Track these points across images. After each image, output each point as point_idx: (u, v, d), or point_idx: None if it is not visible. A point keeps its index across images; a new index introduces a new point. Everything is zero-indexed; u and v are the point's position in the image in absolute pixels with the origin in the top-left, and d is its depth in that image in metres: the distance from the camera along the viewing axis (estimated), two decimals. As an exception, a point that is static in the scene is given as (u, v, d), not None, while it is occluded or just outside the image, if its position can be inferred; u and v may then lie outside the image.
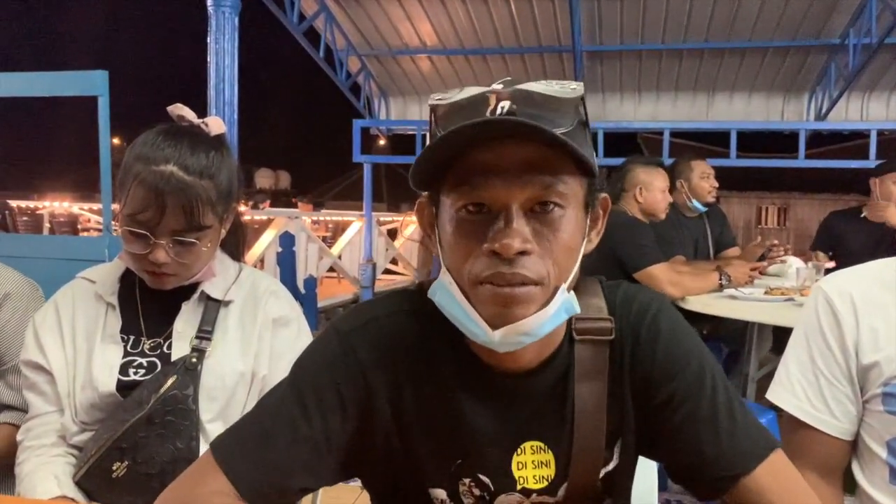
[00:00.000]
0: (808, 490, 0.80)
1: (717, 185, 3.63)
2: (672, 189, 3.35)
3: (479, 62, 7.46)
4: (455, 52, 7.26)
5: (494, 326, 0.74)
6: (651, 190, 3.08)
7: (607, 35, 6.71)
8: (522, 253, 0.72)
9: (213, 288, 1.30)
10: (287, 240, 6.11)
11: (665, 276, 2.78)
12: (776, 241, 3.35)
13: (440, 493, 0.86)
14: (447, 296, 0.77)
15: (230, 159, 1.28)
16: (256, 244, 6.02)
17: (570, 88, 0.74)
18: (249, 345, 1.27)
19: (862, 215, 3.74)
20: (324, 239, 8.00)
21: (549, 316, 0.75)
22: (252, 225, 7.68)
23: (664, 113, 7.71)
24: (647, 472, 1.20)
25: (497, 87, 0.75)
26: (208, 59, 4.98)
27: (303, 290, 5.99)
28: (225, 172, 1.24)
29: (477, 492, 0.85)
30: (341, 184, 29.58)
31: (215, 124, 1.28)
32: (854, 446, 1.08)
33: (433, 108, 0.78)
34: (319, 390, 0.83)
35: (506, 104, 0.72)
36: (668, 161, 3.70)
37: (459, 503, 0.86)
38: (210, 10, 4.94)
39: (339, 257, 7.53)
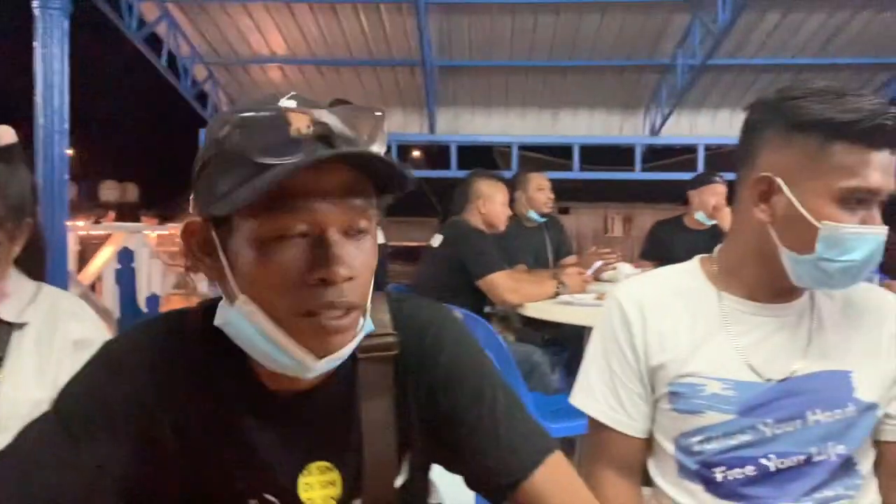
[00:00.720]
0: (584, 490, 0.84)
1: (552, 196, 3.79)
2: (512, 201, 3.46)
3: (332, 73, 7.40)
4: (306, 62, 7.16)
5: (319, 356, 0.74)
6: (493, 202, 3.17)
7: (457, 50, 6.85)
8: (349, 279, 0.73)
9: (5, 309, 1.20)
10: (126, 256, 5.76)
11: (505, 284, 2.86)
12: (609, 250, 3.54)
13: None
14: (249, 328, 0.74)
15: (23, 171, 1.18)
16: (93, 262, 5.65)
17: (374, 115, 0.75)
18: (46, 370, 1.18)
19: (687, 223, 4.04)
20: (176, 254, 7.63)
21: (359, 338, 0.77)
22: (91, 241, 7.20)
23: (513, 127, 7.96)
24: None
25: (289, 103, 0.74)
26: (34, 65, 4.62)
27: (145, 309, 5.68)
28: (14, 186, 1.15)
29: None
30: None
31: (5, 134, 1.18)
32: (648, 444, 1.14)
33: (225, 120, 0.74)
34: (87, 416, 0.78)
35: (307, 126, 0.71)
36: (506, 174, 3.82)
37: None
38: (36, 11, 4.58)
39: (188, 272, 7.19)
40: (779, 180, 1.02)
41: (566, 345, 3.34)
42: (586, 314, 2.67)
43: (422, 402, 0.86)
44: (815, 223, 0.99)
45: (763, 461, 1.04)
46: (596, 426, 1.14)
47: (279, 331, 0.73)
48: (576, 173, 7.69)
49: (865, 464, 1.10)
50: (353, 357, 0.82)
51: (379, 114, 0.76)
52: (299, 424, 0.83)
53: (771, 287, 1.08)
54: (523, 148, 8.31)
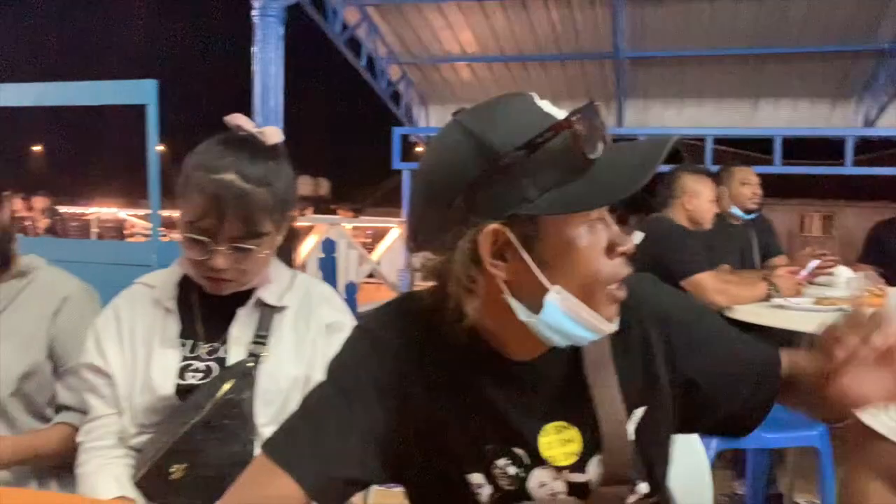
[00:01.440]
0: None
1: (759, 192, 3.57)
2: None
3: (519, 69, 7.45)
4: (494, 59, 7.26)
5: (612, 322, 0.85)
6: (699, 198, 3.06)
7: (650, 41, 6.64)
8: None
9: (268, 294, 1.32)
10: (328, 246, 6.16)
11: (711, 285, 2.74)
12: (826, 251, 3.28)
13: (477, 478, 0.90)
14: (562, 316, 0.81)
15: (287, 168, 1.30)
16: (300, 251, 6.09)
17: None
18: (303, 350, 1.29)
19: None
20: (363, 245, 8.05)
21: None
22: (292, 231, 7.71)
23: (707, 119, 7.60)
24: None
25: (543, 103, 0.85)
26: (254, 68, 5.05)
27: (343, 296, 6.04)
28: (282, 181, 1.26)
29: (512, 470, 0.89)
30: (380, 191, 29.76)
31: (272, 133, 1.30)
32: None
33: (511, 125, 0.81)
34: (358, 384, 0.88)
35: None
36: (711, 168, 3.66)
37: (495, 485, 0.90)
38: (256, 20, 5.01)
39: (379, 263, 7.57)
40: None
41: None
42: (803, 319, 2.49)
43: (648, 364, 0.93)
44: None
45: None
46: (866, 433, 1.07)
47: (586, 309, 0.81)
48: (777, 168, 7.16)
49: None
50: None
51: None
52: (534, 388, 0.90)
53: None
54: (717, 142, 7.90)
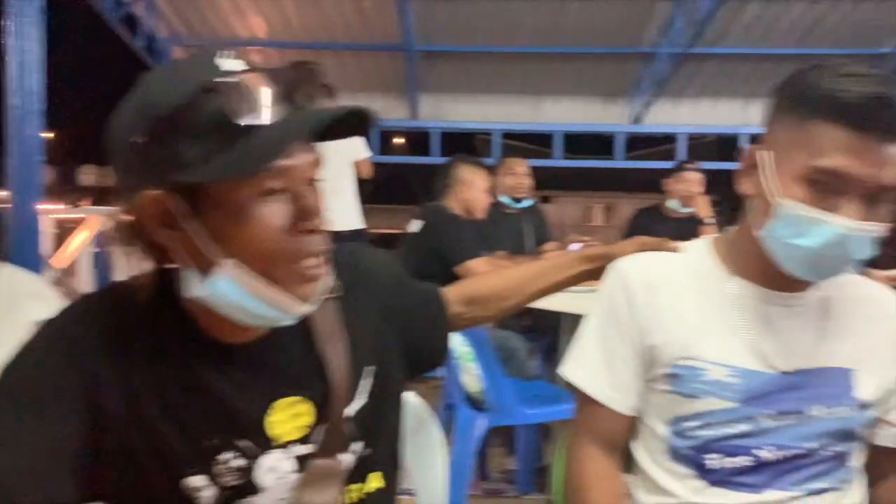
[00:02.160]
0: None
1: (525, 182, 3.78)
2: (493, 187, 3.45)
3: (313, 57, 7.29)
4: (286, 46, 7.09)
5: (304, 302, 0.81)
6: (473, 189, 3.16)
7: (440, 36, 6.81)
8: (321, 229, 0.81)
9: None
10: (104, 240, 5.70)
11: (483, 271, 2.85)
12: (588, 238, 3.54)
13: (196, 481, 0.82)
14: (237, 291, 0.77)
15: None
16: (67, 245, 5.58)
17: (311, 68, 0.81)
18: (2, 351, 1.16)
19: (665, 212, 4.06)
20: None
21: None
22: (68, 225, 7.11)
23: (496, 114, 7.95)
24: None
25: (235, 63, 0.78)
26: (6, 43, 4.53)
27: (122, 294, 5.62)
28: None
29: (236, 463, 0.83)
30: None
31: None
32: (635, 424, 1.12)
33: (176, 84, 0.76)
34: (38, 393, 0.76)
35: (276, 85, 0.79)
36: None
37: (219, 485, 0.83)
38: (7, -13, 4.48)
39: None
40: (761, 154, 1.00)
41: (545, 332, 3.33)
42: (565, 301, 2.66)
43: (376, 326, 0.97)
44: (776, 199, 0.95)
45: (759, 452, 1.02)
46: (585, 400, 1.11)
47: (269, 287, 0.78)
48: (557, 161, 7.69)
49: (857, 460, 1.09)
50: None
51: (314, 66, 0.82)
52: (259, 369, 0.86)
53: (776, 273, 1.01)
54: (505, 136, 8.29)
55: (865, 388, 1.05)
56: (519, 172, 3.80)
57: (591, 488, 1.09)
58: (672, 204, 3.97)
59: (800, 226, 0.94)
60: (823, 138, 0.92)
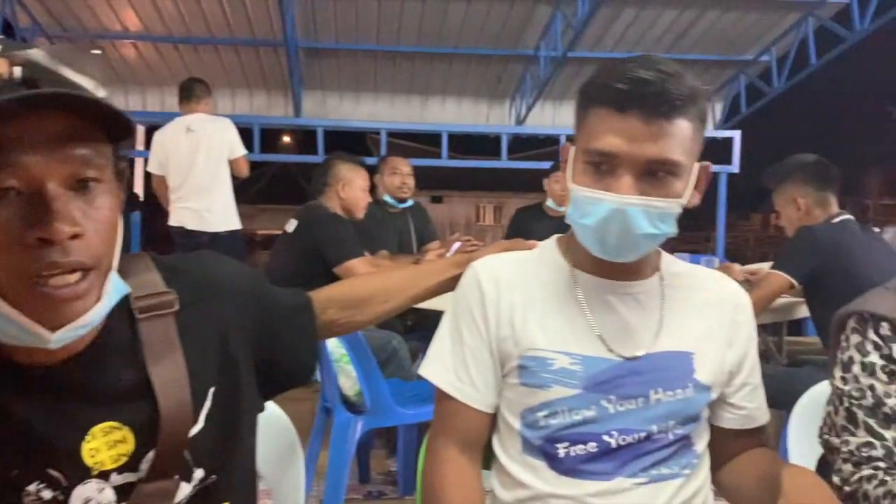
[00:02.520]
0: None
1: (408, 182, 3.77)
2: (375, 186, 3.43)
3: (190, 52, 7.05)
4: (161, 40, 6.78)
5: (53, 328, 0.68)
6: (352, 187, 3.11)
7: (323, 32, 6.71)
8: (74, 237, 0.67)
9: None
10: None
11: (364, 270, 2.81)
12: (468, 237, 3.57)
13: None
14: None
15: None
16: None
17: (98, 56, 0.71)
18: None
19: (546, 210, 4.15)
20: None
21: (109, 302, 0.73)
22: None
23: (383, 113, 7.90)
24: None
25: None
26: None
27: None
28: None
29: (47, 494, 0.77)
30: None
31: None
32: (493, 421, 1.14)
33: None
34: None
35: (17, 70, 0.64)
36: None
37: None
38: None
39: None
40: (571, 146, 1.08)
41: (428, 331, 3.33)
42: (444, 300, 2.66)
43: (223, 344, 0.89)
44: (569, 185, 1.04)
45: (605, 438, 1.05)
46: (442, 397, 1.12)
47: (4, 303, 0.68)
48: (444, 161, 7.73)
49: (701, 444, 1.13)
50: (126, 317, 0.81)
51: (98, 52, 0.73)
52: (73, 392, 0.78)
53: (605, 262, 1.07)
54: (393, 135, 8.27)
55: (704, 370, 1.09)
56: (403, 171, 3.78)
57: (446, 489, 1.09)
58: (550, 203, 4.06)
59: (584, 206, 1.01)
60: (596, 123, 1.01)
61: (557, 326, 1.08)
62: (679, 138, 0.99)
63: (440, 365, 1.13)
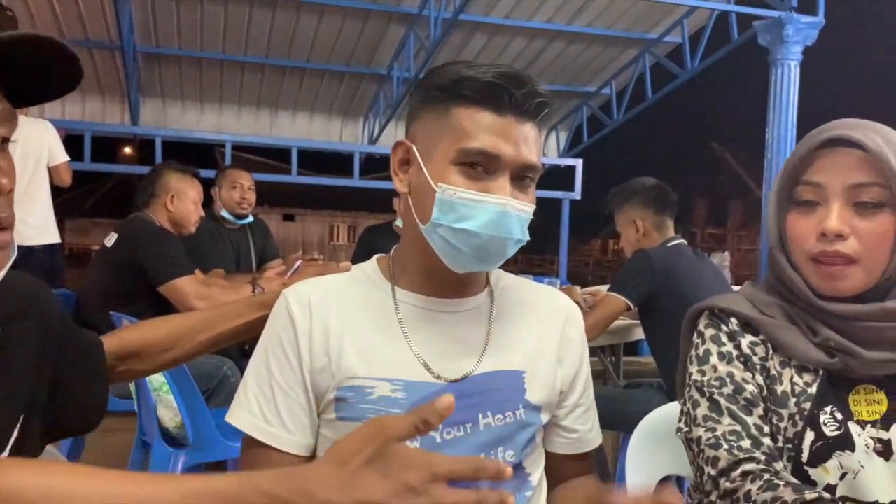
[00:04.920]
0: None
1: (250, 196, 3.58)
2: (212, 200, 3.21)
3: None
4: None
5: None
6: (183, 199, 2.87)
7: (164, 37, 6.33)
8: None
9: None
10: None
11: (193, 290, 2.58)
12: (315, 255, 3.41)
13: None
14: None
15: None
16: None
17: None
18: None
19: (395, 229, 4.07)
20: None
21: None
22: None
23: (228, 125, 7.58)
24: None
25: None
26: None
27: None
28: None
29: None
30: None
31: None
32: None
33: None
34: None
35: None
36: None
37: None
38: None
39: None
40: (413, 146, 0.99)
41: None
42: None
43: (33, 370, 0.85)
44: (434, 186, 0.94)
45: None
46: (250, 444, 0.99)
47: None
48: (294, 177, 7.51)
49: (536, 472, 1.06)
50: None
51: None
52: None
53: (439, 278, 0.99)
54: (239, 148, 7.94)
55: (536, 390, 1.03)
56: (244, 185, 3.56)
57: None
58: (399, 222, 3.98)
59: (461, 209, 0.93)
60: (468, 122, 0.93)
61: (377, 352, 0.98)
62: (539, 144, 0.99)
63: (246, 407, 0.99)
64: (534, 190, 0.99)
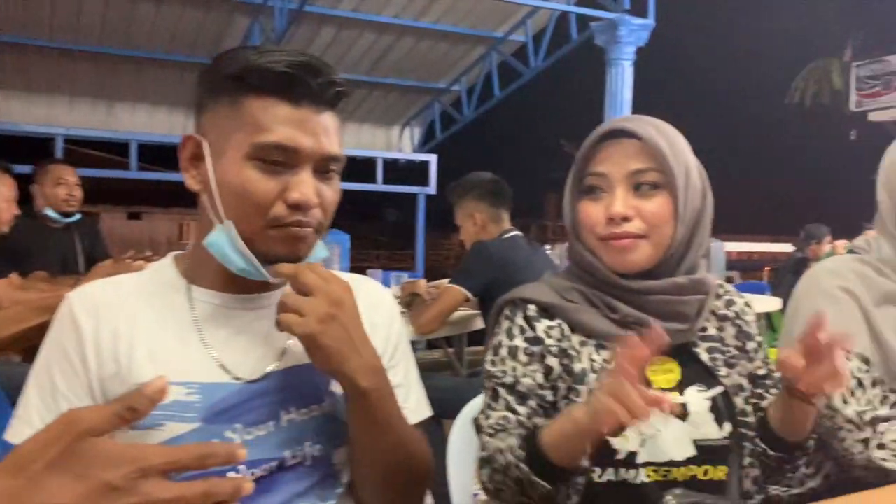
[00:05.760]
0: None
1: (77, 193, 3.36)
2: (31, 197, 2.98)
3: None
4: None
5: None
6: (-6, 196, 2.64)
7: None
8: None
9: None
10: None
11: (3, 294, 2.38)
12: (148, 253, 3.24)
13: None
14: None
15: None
16: None
17: None
18: None
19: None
20: None
21: None
22: None
23: (60, 117, 7.04)
24: None
25: None
26: None
27: None
28: None
29: None
30: None
31: None
32: None
33: None
34: None
35: None
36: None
37: None
38: None
39: None
40: (203, 140, 0.93)
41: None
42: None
43: None
44: (230, 182, 0.90)
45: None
46: None
47: None
48: (134, 173, 7.11)
49: (347, 470, 1.04)
50: None
51: None
52: None
53: (242, 277, 0.95)
54: (73, 142, 7.41)
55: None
56: (69, 182, 3.33)
57: None
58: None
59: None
60: (261, 114, 0.89)
61: (169, 355, 0.93)
62: (340, 133, 0.96)
63: (26, 424, 0.91)
64: (338, 181, 0.97)
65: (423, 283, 3.04)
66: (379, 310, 1.10)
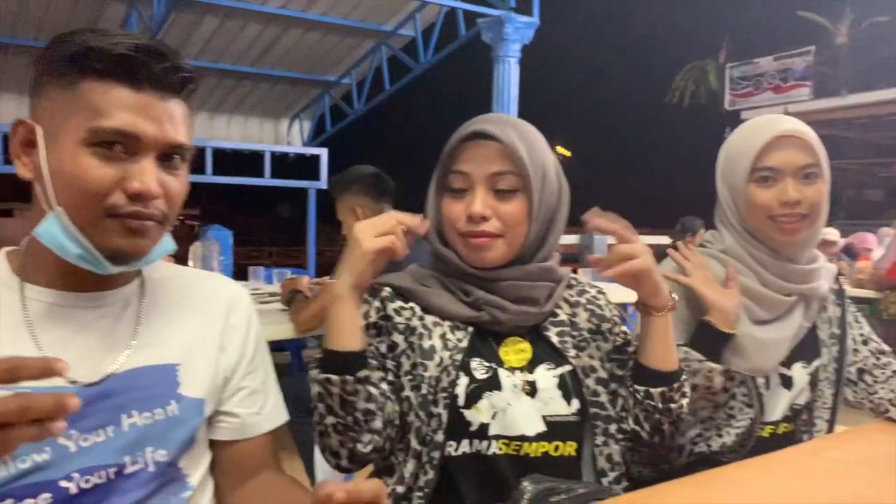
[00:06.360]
0: None
1: None
2: None
3: None
4: None
5: None
6: None
7: None
8: None
9: None
10: None
11: None
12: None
13: None
14: None
15: None
16: None
17: None
18: None
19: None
20: None
21: None
22: None
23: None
24: None
25: None
26: None
27: None
28: None
29: None
30: None
31: None
32: None
33: None
34: None
35: None
36: None
37: None
38: None
39: None
40: (36, 126, 0.88)
41: None
42: None
43: None
44: (65, 169, 0.86)
45: (63, 484, 0.87)
46: None
47: None
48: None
49: (195, 472, 1.01)
50: None
51: None
52: None
53: (76, 271, 0.90)
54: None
55: (193, 382, 0.99)
56: None
57: None
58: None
59: None
60: (100, 98, 0.86)
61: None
62: (188, 121, 0.93)
63: None
64: (185, 170, 0.94)
65: (305, 279, 2.98)
66: (237, 311, 1.08)
